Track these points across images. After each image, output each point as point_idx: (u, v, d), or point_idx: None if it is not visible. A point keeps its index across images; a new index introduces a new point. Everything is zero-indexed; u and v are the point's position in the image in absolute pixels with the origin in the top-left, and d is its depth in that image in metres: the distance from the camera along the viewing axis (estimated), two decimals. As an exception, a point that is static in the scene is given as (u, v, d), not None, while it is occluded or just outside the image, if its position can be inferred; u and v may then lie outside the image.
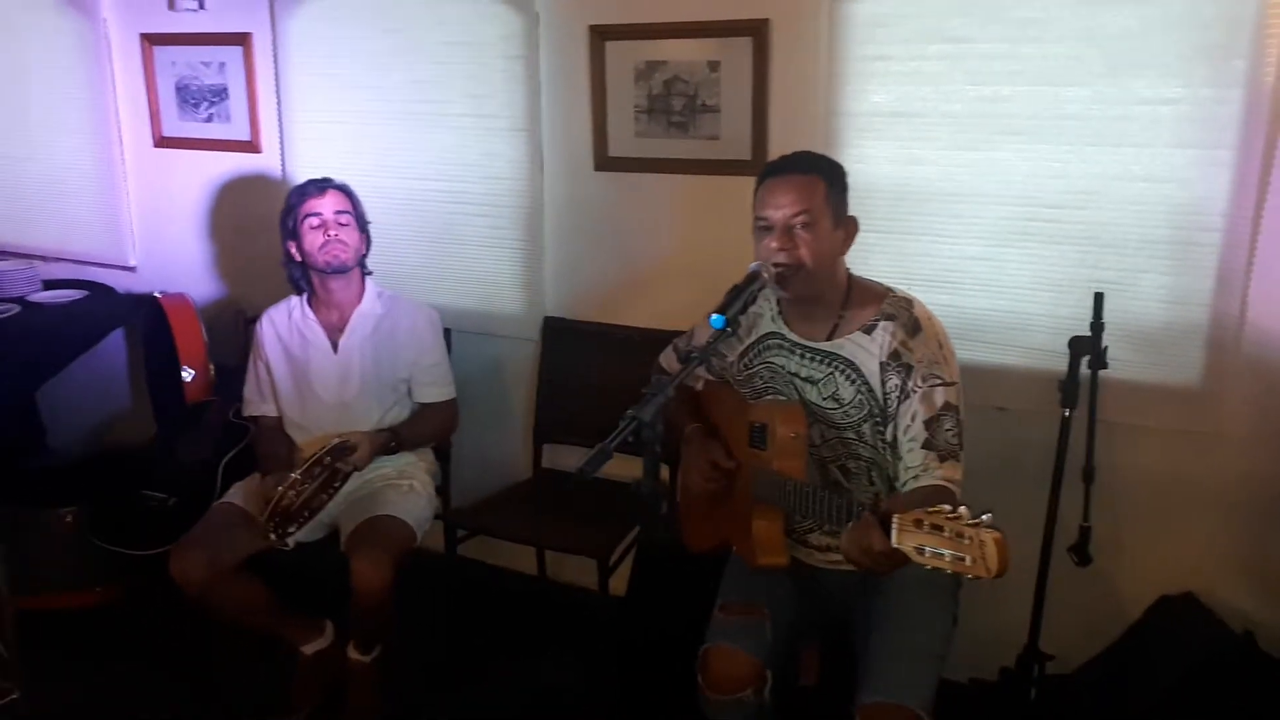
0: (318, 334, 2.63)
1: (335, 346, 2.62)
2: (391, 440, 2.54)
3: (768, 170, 1.88)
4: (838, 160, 1.92)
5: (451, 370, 2.75)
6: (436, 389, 2.68)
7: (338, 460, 2.39)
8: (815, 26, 2.44)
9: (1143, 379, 2.29)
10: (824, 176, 1.83)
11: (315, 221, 2.54)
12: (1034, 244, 2.33)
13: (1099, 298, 2.17)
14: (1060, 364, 2.22)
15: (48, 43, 3.61)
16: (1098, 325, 2.18)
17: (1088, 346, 2.18)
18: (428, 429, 2.68)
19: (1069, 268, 2.30)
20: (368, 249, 2.65)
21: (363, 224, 2.62)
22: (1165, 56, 2.13)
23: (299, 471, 2.35)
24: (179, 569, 2.32)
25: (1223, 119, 2.10)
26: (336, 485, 2.43)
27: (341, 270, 2.58)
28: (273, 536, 2.33)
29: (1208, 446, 2.27)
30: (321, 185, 2.58)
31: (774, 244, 1.82)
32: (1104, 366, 2.19)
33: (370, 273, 2.69)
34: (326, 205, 2.55)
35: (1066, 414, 2.22)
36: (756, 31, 2.49)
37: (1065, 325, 2.24)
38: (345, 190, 2.60)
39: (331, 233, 2.54)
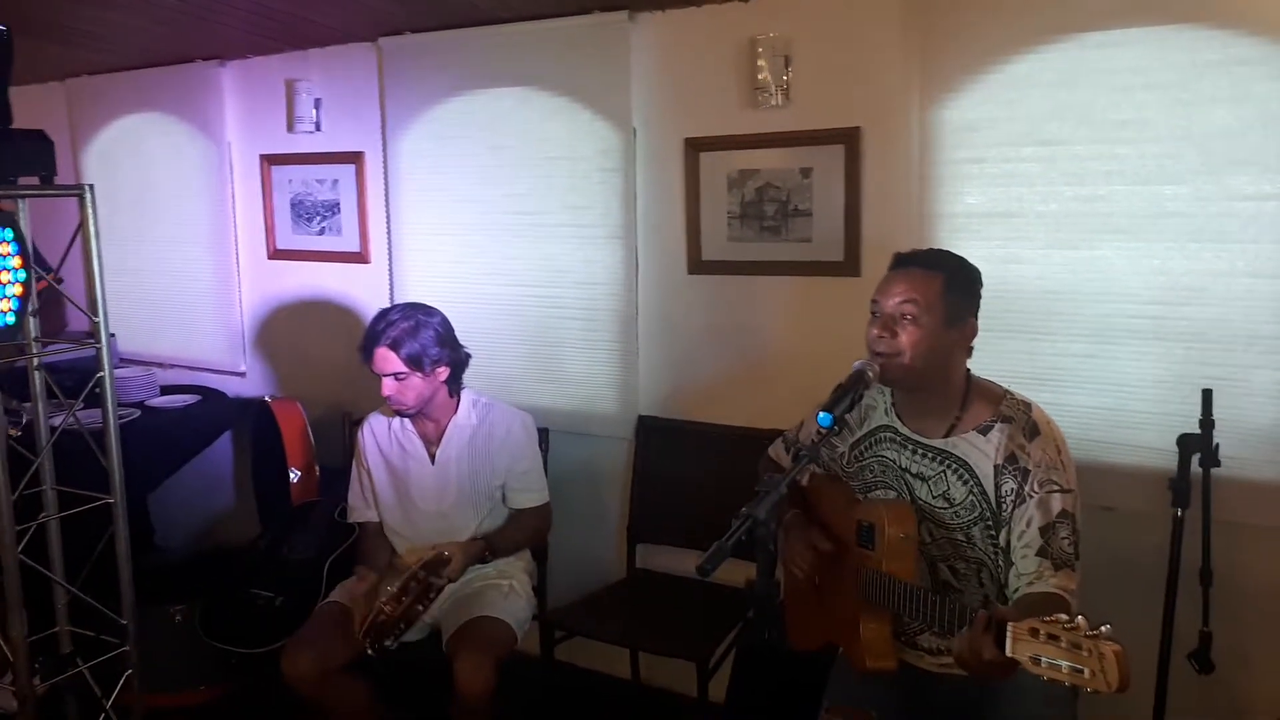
0: (416, 445, 2.68)
1: (433, 458, 2.66)
2: (486, 550, 2.56)
3: (893, 261, 1.92)
4: (971, 264, 1.92)
5: (545, 474, 2.77)
6: (530, 495, 2.70)
7: (431, 574, 2.43)
8: (907, 132, 2.51)
9: (1259, 477, 2.23)
10: (945, 273, 1.85)
11: (381, 378, 2.55)
12: (1138, 341, 2.32)
13: (1208, 394, 2.14)
14: (1170, 463, 2.18)
15: (176, 164, 3.88)
16: (1208, 422, 2.14)
17: (1198, 444, 2.14)
18: (521, 535, 2.70)
19: (1175, 365, 2.28)
20: (454, 373, 2.61)
21: (431, 363, 2.54)
22: (1264, 154, 2.14)
23: (395, 585, 2.39)
24: (291, 667, 2.37)
25: (1325, 214, 2.09)
26: (431, 597, 2.46)
27: (408, 415, 2.62)
28: (370, 652, 2.37)
29: (1333, 547, 2.18)
30: (369, 343, 2.53)
31: (875, 331, 1.85)
32: (1216, 464, 2.14)
33: (462, 388, 2.68)
34: (380, 367, 2.52)
35: (1179, 514, 2.17)
36: (848, 139, 2.57)
37: (1174, 423, 2.21)
38: (395, 344, 2.50)
39: (388, 393, 2.54)
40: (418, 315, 2.57)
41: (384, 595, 2.38)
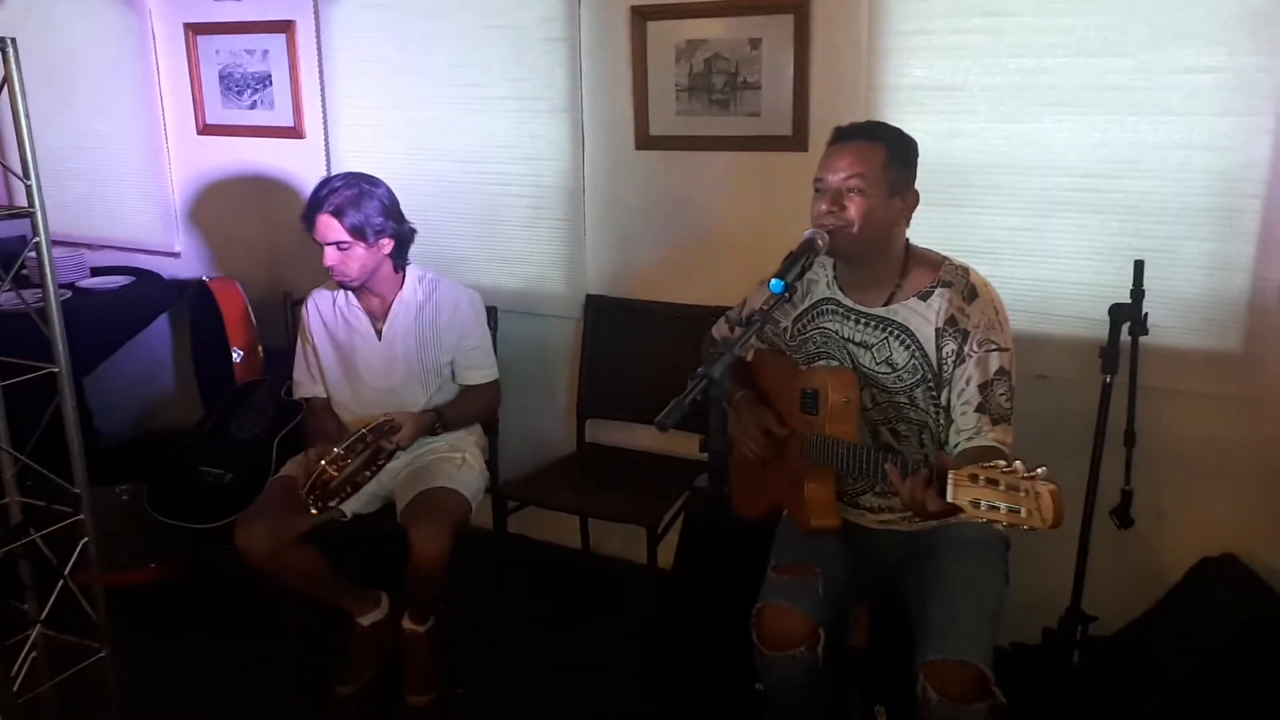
0: (362, 321, 2.65)
1: (379, 334, 2.64)
2: (436, 421, 2.57)
3: (834, 135, 1.93)
4: (908, 134, 1.94)
5: (494, 351, 2.77)
6: (479, 372, 2.70)
7: (380, 439, 2.43)
8: (855, 2, 2.48)
9: (1184, 345, 2.33)
10: (886, 145, 1.87)
11: (323, 246, 2.50)
12: (1075, 213, 2.37)
13: (1139, 265, 2.20)
14: (1101, 332, 2.26)
15: (93, 33, 3.68)
16: (1138, 292, 2.21)
17: (1128, 313, 2.22)
18: (470, 410, 2.71)
19: (1110, 236, 2.34)
20: (398, 247, 2.57)
21: (375, 234, 2.49)
22: (1207, 25, 2.16)
23: (341, 447, 2.38)
24: (244, 540, 2.39)
25: (1265, 87, 2.13)
26: (380, 463, 2.47)
27: (351, 288, 2.58)
28: (313, 510, 2.37)
29: (1248, 410, 2.30)
30: (311, 209, 2.48)
31: (824, 206, 1.87)
32: (1145, 333, 2.23)
33: (407, 264, 2.64)
34: (322, 234, 2.47)
35: (1107, 380, 2.26)
36: (798, 9, 2.54)
37: (1106, 293, 2.28)
38: (340, 213, 2.45)
39: (330, 262, 2.49)
40: (362, 184, 2.51)
41: (330, 455, 2.37)
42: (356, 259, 2.50)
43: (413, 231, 2.63)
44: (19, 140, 1.86)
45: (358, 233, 2.47)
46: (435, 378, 2.67)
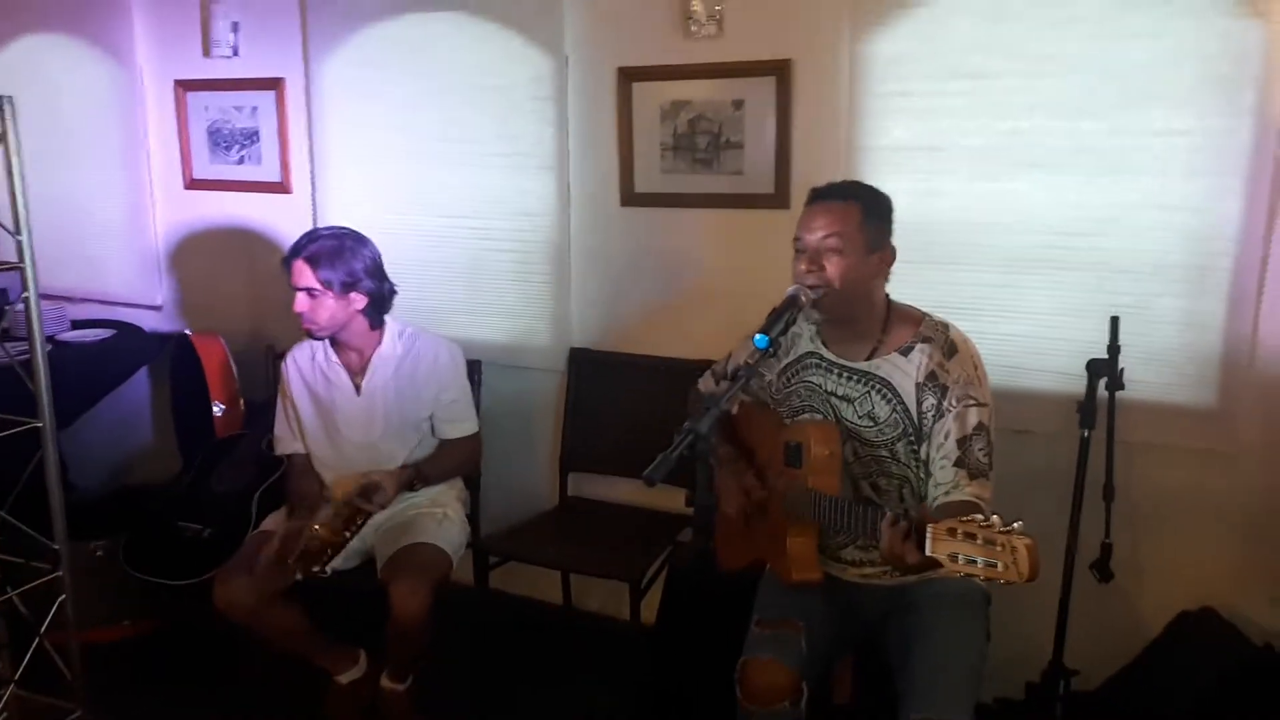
0: (340, 376, 2.64)
1: (358, 389, 2.62)
2: (415, 478, 2.56)
3: (810, 196, 1.97)
4: (882, 191, 1.99)
5: (473, 405, 2.76)
6: (459, 425, 2.69)
7: (362, 503, 2.43)
8: (836, 65, 2.55)
9: (1160, 399, 2.37)
10: (861, 204, 1.92)
11: (295, 291, 2.51)
12: (1051, 271, 2.42)
13: (1115, 321, 2.25)
14: (1079, 387, 2.29)
15: (82, 88, 3.72)
16: (1114, 348, 2.25)
17: (1105, 369, 2.26)
18: (450, 464, 2.70)
19: (1086, 293, 2.39)
20: (373, 304, 2.55)
21: (346, 287, 2.49)
22: (1177, 88, 2.24)
23: (326, 519, 2.37)
24: (223, 596, 2.37)
25: (1233, 148, 2.20)
26: (359, 523, 2.46)
27: (318, 339, 2.59)
28: (298, 576, 2.35)
29: (1224, 464, 2.34)
30: (290, 254, 2.50)
31: (803, 266, 1.91)
32: (1121, 388, 2.27)
33: (384, 320, 2.63)
34: (295, 279, 2.49)
35: (1085, 435, 2.29)
36: (780, 71, 2.60)
37: (1083, 349, 2.31)
38: (315, 261, 2.46)
39: (299, 308, 2.50)
40: (346, 239, 2.53)
41: (318, 523, 2.36)
42: (326, 309, 2.50)
43: (392, 292, 2.62)
44: (13, 196, 1.88)
45: (328, 283, 2.47)
46: (415, 432, 2.66)
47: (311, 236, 2.53)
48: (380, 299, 2.58)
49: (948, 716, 1.76)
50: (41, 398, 2.09)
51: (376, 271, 2.57)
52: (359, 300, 2.53)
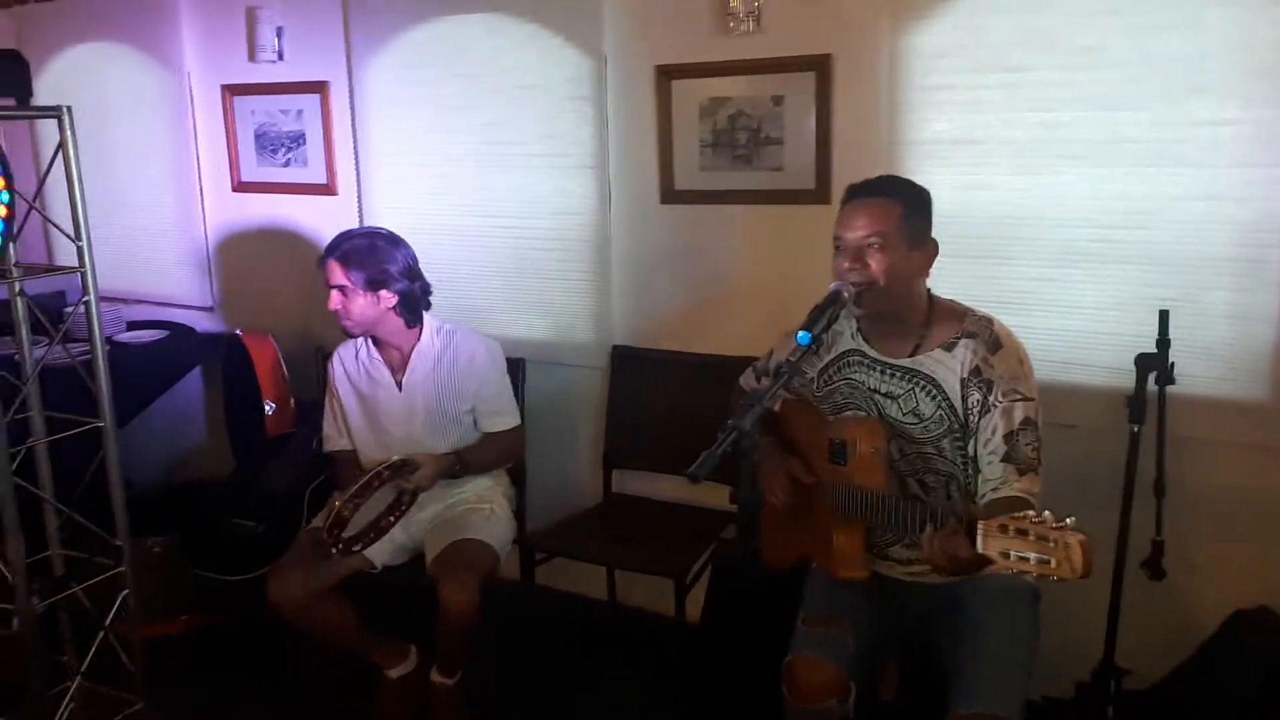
0: (383, 373, 2.69)
1: (399, 385, 2.67)
2: (456, 464, 2.59)
3: (848, 193, 1.97)
4: (920, 185, 1.98)
5: (514, 399, 2.79)
6: (500, 419, 2.72)
7: (396, 476, 2.45)
8: (876, 59, 2.54)
9: (1212, 394, 2.33)
10: (901, 200, 1.91)
11: (329, 289, 2.58)
12: (1097, 264, 2.39)
13: (1164, 315, 2.22)
14: (1127, 381, 2.26)
15: (133, 95, 3.81)
16: (1163, 342, 2.22)
17: (1154, 363, 2.23)
18: (492, 455, 2.73)
19: (1133, 287, 2.36)
20: (404, 302, 2.60)
21: (376, 284, 2.55)
22: (1223, 79, 2.20)
23: (356, 486, 2.39)
24: (277, 591, 2.42)
25: (1281, 138, 2.16)
26: (403, 508, 2.49)
27: (353, 336, 2.65)
28: (334, 551, 2.38)
29: (1278, 459, 2.29)
30: (325, 254, 2.58)
31: (846, 264, 1.90)
32: (1171, 382, 2.24)
33: (422, 317, 2.68)
34: (328, 277, 2.56)
35: (1135, 430, 2.26)
36: (819, 66, 2.59)
37: (1131, 343, 2.28)
38: (347, 259, 2.54)
39: (334, 306, 2.56)
40: (378, 239, 2.59)
41: (346, 494, 2.38)
42: (356, 306, 2.56)
43: (426, 291, 2.67)
44: (72, 203, 1.94)
45: (358, 280, 2.54)
46: (456, 426, 2.69)
47: (345, 236, 2.60)
48: (413, 298, 2.63)
49: (997, 713, 1.75)
50: (103, 398, 2.16)
51: (409, 271, 2.61)
52: (389, 298, 2.58)
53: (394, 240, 2.62)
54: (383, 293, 2.57)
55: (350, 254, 2.54)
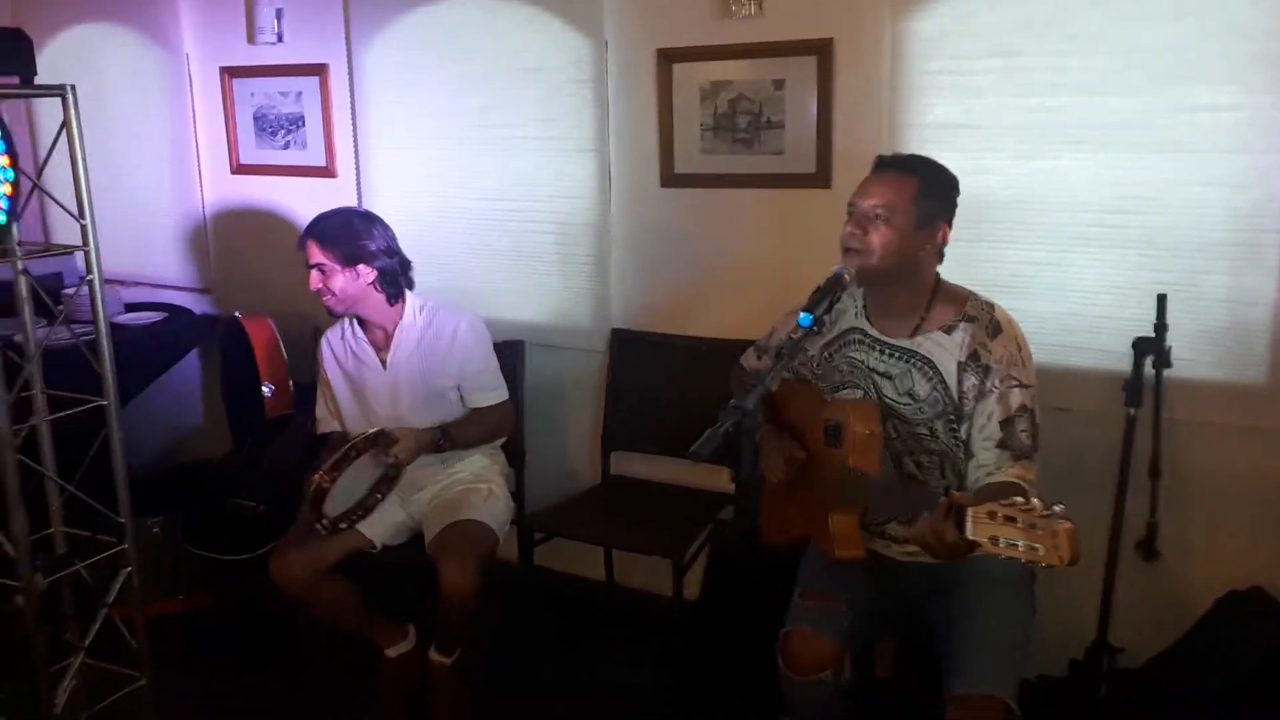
0: (368, 352, 2.70)
1: (385, 364, 2.68)
2: (440, 438, 2.58)
3: (875, 164, 1.98)
4: (948, 170, 1.98)
5: (500, 373, 2.76)
6: (486, 394, 2.71)
7: (373, 446, 2.44)
8: (878, 44, 2.54)
9: (1208, 378, 2.35)
10: (919, 178, 1.91)
11: (309, 270, 2.60)
12: (1096, 248, 2.41)
13: (1162, 299, 2.24)
14: (1124, 365, 2.28)
15: (131, 76, 3.80)
16: (1161, 326, 2.24)
17: (1151, 347, 2.25)
18: (480, 429, 2.71)
19: (1131, 271, 2.37)
20: (383, 277, 2.61)
21: (352, 259, 2.56)
22: (1222, 65, 2.21)
23: (334, 458, 2.38)
24: (279, 570, 2.43)
25: (1280, 124, 2.17)
26: (389, 483, 2.50)
27: (337, 316, 2.68)
28: (321, 529, 2.39)
29: (1274, 442, 2.32)
30: (303, 236, 2.60)
31: (850, 229, 1.92)
32: (1168, 366, 2.26)
33: (402, 295, 2.68)
34: (308, 257, 2.58)
35: (1132, 413, 2.28)
36: (821, 50, 2.60)
37: (1129, 327, 2.31)
38: (323, 238, 2.57)
39: (315, 286, 2.59)
40: (353, 217, 2.64)
41: (323, 468, 2.37)
42: (336, 283, 2.58)
43: (405, 266, 2.68)
44: (75, 182, 1.94)
45: (336, 258, 2.56)
46: (441, 403, 2.69)
47: (321, 217, 2.63)
48: (391, 273, 2.64)
49: (992, 691, 1.77)
50: (107, 376, 2.16)
51: (386, 249, 2.63)
52: (368, 273, 2.60)
53: (369, 217, 2.66)
54: (361, 267, 2.59)
55: (326, 232, 2.58)
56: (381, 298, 2.64)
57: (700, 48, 2.76)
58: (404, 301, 2.70)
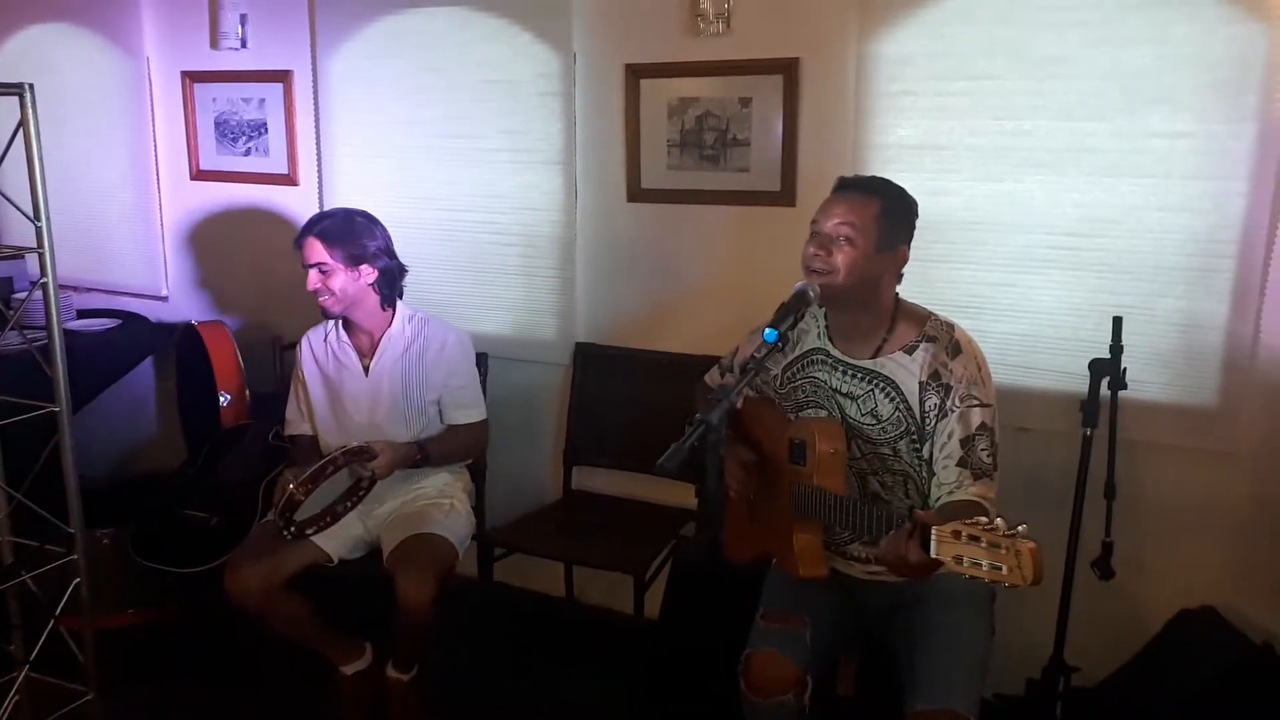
0: (350, 357, 2.68)
1: (366, 370, 2.66)
2: (417, 453, 2.56)
3: (836, 184, 1.99)
4: (909, 194, 2.00)
5: (482, 392, 2.78)
6: (465, 411, 2.70)
7: (353, 461, 2.42)
8: (844, 65, 2.57)
9: (1161, 399, 2.39)
10: (882, 200, 1.93)
11: (307, 269, 2.56)
12: (1055, 270, 2.44)
13: (1118, 321, 2.27)
14: (1081, 386, 2.31)
15: (89, 78, 3.73)
16: (1117, 348, 2.27)
17: (1108, 368, 2.28)
18: (455, 447, 2.70)
19: (1088, 293, 2.42)
20: (384, 278, 2.60)
21: (355, 260, 2.55)
22: (1179, 92, 2.26)
23: (311, 469, 2.36)
24: (233, 583, 2.38)
25: (1236, 151, 2.23)
26: (360, 493, 2.47)
27: (332, 317, 2.65)
28: (286, 534, 2.35)
29: (1225, 464, 2.36)
30: (301, 233, 2.57)
31: (812, 249, 1.93)
32: (1123, 387, 2.29)
33: (396, 302, 2.67)
34: (307, 256, 2.54)
35: (1088, 433, 2.31)
36: (787, 70, 2.62)
37: (1085, 348, 2.34)
38: (325, 236, 2.53)
39: (313, 286, 2.55)
40: (356, 216, 2.61)
41: (300, 478, 2.34)
42: (337, 282, 2.55)
43: (402, 270, 2.67)
44: (31, 183, 1.90)
45: (338, 257, 2.53)
46: (420, 416, 2.67)
47: (322, 215, 2.61)
48: (391, 275, 2.63)
49: (953, 708, 1.78)
50: (59, 381, 2.12)
51: (386, 249, 2.63)
52: (370, 273, 2.58)
53: (370, 218, 2.63)
54: (363, 268, 2.57)
55: (329, 230, 2.55)
56: (377, 300, 2.63)
57: (668, 64, 2.77)
58: (394, 309, 2.68)
